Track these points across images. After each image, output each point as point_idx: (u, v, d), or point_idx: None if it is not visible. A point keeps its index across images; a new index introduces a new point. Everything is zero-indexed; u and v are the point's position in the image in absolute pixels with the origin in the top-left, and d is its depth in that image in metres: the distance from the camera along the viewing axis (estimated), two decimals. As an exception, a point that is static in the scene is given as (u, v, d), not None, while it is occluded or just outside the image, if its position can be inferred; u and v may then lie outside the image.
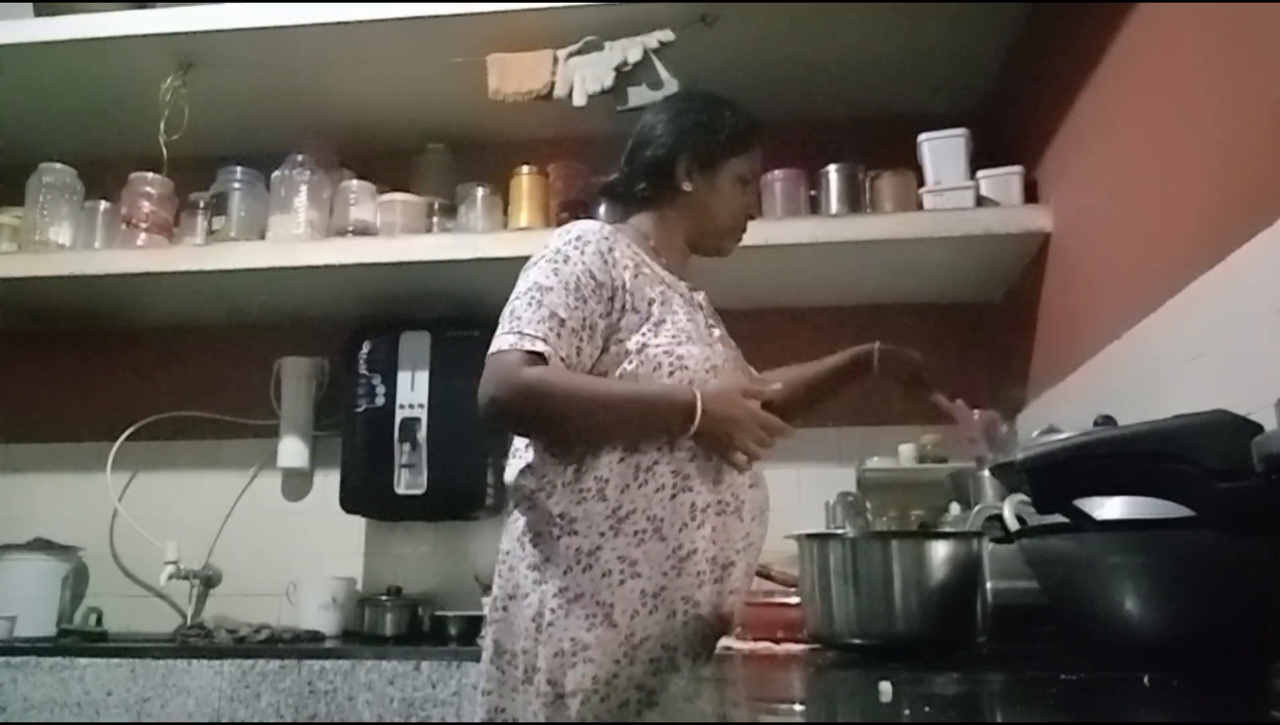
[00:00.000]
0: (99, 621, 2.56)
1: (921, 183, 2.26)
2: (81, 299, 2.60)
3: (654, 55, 2.17)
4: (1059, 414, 1.89)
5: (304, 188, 2.45)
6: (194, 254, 2.41)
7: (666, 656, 1.32)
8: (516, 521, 1.40)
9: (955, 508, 1.91)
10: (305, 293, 2.53)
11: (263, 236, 2.43)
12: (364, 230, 2.44)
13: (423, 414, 2.39)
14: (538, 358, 1.30)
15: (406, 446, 2.38)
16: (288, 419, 2.65)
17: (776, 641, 1.32)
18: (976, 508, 1.33)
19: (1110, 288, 1.79)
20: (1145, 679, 0.81)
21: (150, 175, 2.48)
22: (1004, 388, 2.37)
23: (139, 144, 2.37)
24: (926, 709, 0.77)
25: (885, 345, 1.69)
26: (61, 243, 2.50)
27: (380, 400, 2.42)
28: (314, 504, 2.69)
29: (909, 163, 2.29)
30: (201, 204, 2.50)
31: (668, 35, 2.17)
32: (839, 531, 1.61)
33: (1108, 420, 1.22)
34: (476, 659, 1.42)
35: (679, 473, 1.35)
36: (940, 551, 1.11)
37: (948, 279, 2.45)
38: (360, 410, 2.45)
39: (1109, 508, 1.02)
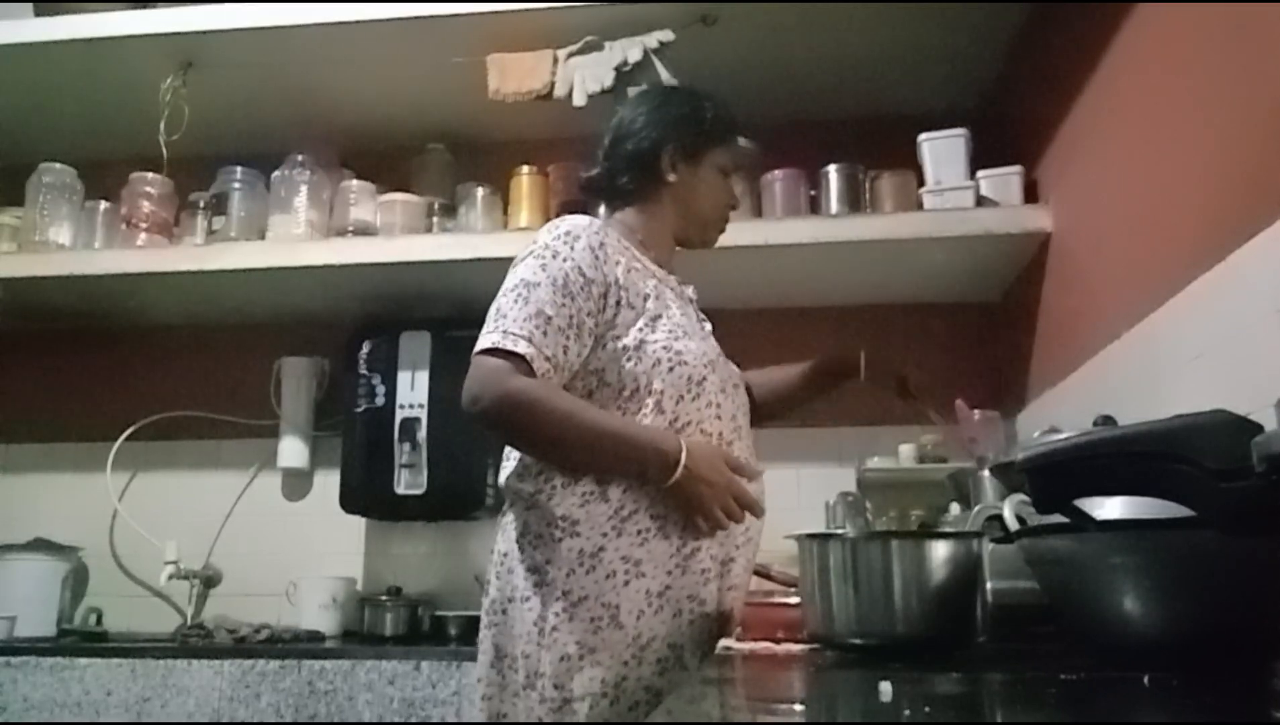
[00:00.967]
0: (99, 621, 2.56)
1: (921, 183, 2.26)
2: (81, 299, 2.60)
3: (654, 55, 2.17)
4: (1059, 414, 1.90)
5: (304, 188, 2.45)
6: (194, 254, 2.41)
7: (673, 656, 1.31)
8: (513, 523, 1.38)
9: (955, 508, 1.91)
10: (305, 293, 2.53)
11: (263, 236, 2.43)
12: (364, 230, 2.44)
13: (423, 414, 2.39)
14: (521, 360, 1.28)
15: (406, 446, 2.38)
16: (288, 419, 2.65)
17: (776, 641, 1.32)
18: (976, 508, 1.33)
19: (1110, 288, 1.79)
20: (1145, 679, 0.81)
21: (150, 175, 2.48)
22: (1004, 388, 2.38)
23: (139, 144, 2.37)
24: (926, 709, 0.77)
25: (873, 352, 1.68)
26: (61, 243, 2.50)
27: (380, 400, 2.42)
28: (314, 504, 2.69)
29: (909, 163, 2.29)
30: (201, 204, 2.50)
31: (668, 35, 2.17)
32: (839, 531, 1.61)
33: (1108, 420, 1.22)
34: (476, 659, 1.41)
35: None
36: (940, 551, 1.11)
37: (948, 279, 2.45)
38: (360, 410, 2.45)
39: (1109, 508, 1.02)
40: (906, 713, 0.73)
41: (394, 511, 2.51)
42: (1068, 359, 1.96)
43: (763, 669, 1.14)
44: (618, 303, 1.35)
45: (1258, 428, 0.83)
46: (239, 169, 2.50)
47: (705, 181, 1.52)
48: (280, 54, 2.35)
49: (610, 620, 1.29)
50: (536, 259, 1.35)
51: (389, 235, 2.40)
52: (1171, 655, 0.85)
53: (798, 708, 0.93)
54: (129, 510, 2.68)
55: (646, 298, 1.38)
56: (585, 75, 2.19)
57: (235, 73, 2.40)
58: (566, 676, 1.27)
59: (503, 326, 1.30)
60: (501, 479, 1.42)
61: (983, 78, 2.47)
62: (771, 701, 0.95)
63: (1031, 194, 2.22)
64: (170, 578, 2.53)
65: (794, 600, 1.28)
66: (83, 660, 2.09)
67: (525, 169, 2.45)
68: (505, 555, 1.38)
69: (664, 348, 1.35)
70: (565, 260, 1.34)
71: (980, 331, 2.56)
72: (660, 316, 1.37)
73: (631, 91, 2.17)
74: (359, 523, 2.62)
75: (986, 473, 1.74)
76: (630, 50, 2.17)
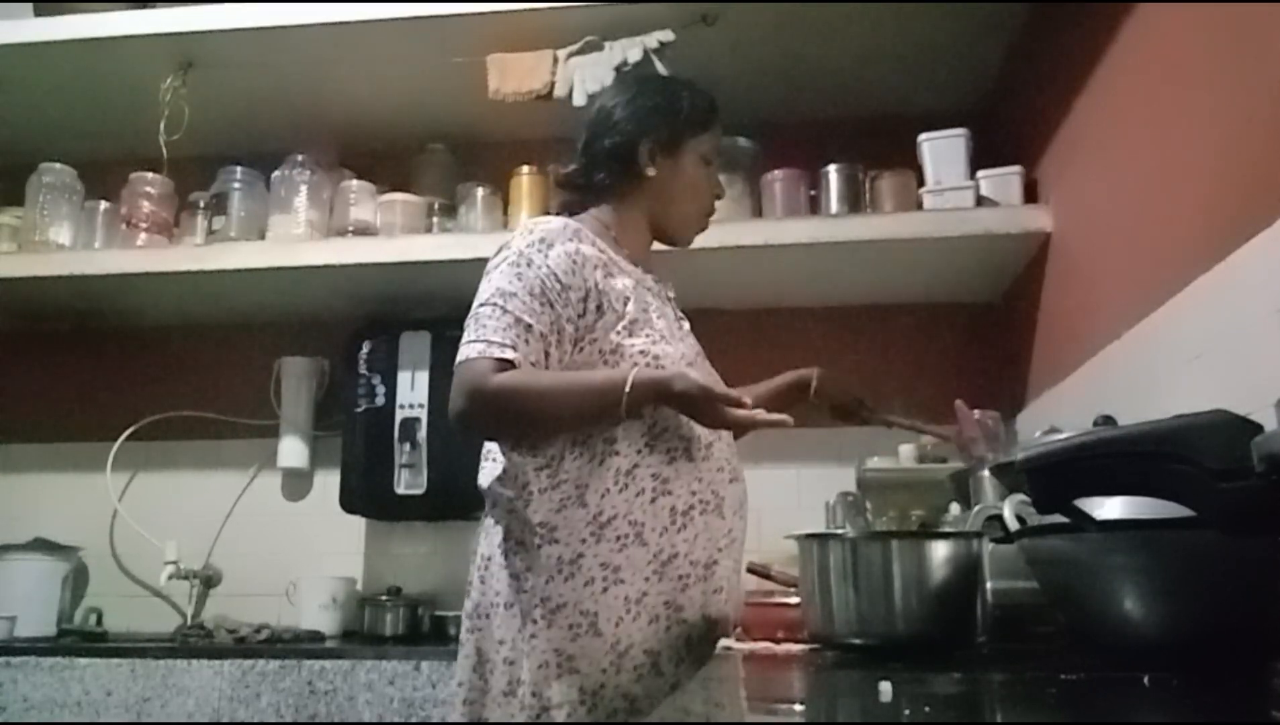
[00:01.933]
0: (99, 621, 2.56)
1: (921, 183, 2.26)
2: (81, 299, 2.60)
3: (654, 55, 2.17)
4: (1059, 414, 1.89)
5: (304, 188, 2.45)
6: (194, 254, 2.41)
7: (650, 663, 1.30)
8: (495, 528, 1.38)
9: (955, 508, 1.91)
10: (305, 293, 2.53)
11: (263, 236, 2.43)
12: (364, 230, 2.44)
13: (423, 414, 2.39)
14: (507, 365, 1.26)
15: (406, 446, 2.38)
16: (288, 419, 2.65)
17: (776, 641, 1.32)
18: (976, 508, 1.33)
19: (1110, 288, 1.79)
20: (1145, 679, 0.81)
21: (150, 175, 2.48)
22: (1004, 388, 2.38)
23: (139, 144, 2.37)
24: (926, 709, 0.77)
25: (826, 373, 1.69)
26: (61, 243, 2.50)
27: (380, 400, 2.42)
28: (314, 504, 2.69)
29: (909, 163, 2.29)
30: (201, 204, 2.50)
31: (668, 35, 2.17)
32: (839, 531, 1.61)
33: (1108, 420, 1.22)
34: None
35: (658, 476, 1.33)
36: (940, 551, 1.11)
37: (948, 279, 2.45)
38: (360, 410, 2.45)
39: (1109, 508, 1.02)
40: (906, 713, 0.73)
41: (394, 511, 2.51)
42: (1067, 359, 1.96)
43: (763, 669, 1.15)
44: (598, 307, 1.33)
45: (1258, 428, 0.83)
46: (239, 169, 2.50)
47: (685, 172, 1.48)
48: (280, 54, 2.35)
49: (589, 628, 1.28)
50: (512, 267, 1.33)
51: (389, 235, 2.40)
52: (1171, 655, 0.85)
53: (798, 708, 0.93)
54: (129, 510, 2.68)
55: (626, 301, 1.36)
56: (585, 75, 2.19)
57: (235, 73, 2.40)
58: (545, 684, 1.27)
59: (484, 336, 1.29)
60: (482, 481, 1.42)
61: (983, 78, 2.47)
62: (771, 701, 0.95)
63: (1031, 194, 2.22)
64: (170, 578, 2.53)
65: (794, 600, 1.28)
66: (83, 660, 2.09)
67: (525, 169, 2.44)
68: (488, 560, 1.37)
69: (641, 352, 1.33)
70: (540, 267, 1.32)
71: (980, 331, 2.56)
72: (638, 320, 1.35)
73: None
74: (359, 523, 2.62)
75: (986, 473, 1.74)
76: (630, 50, 2.17)
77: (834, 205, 2.30)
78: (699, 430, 1.36)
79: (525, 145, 2.52)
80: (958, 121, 2.28)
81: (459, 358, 1.30)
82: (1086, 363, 1.85)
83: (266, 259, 2.37)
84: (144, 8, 2.36)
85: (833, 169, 2.32)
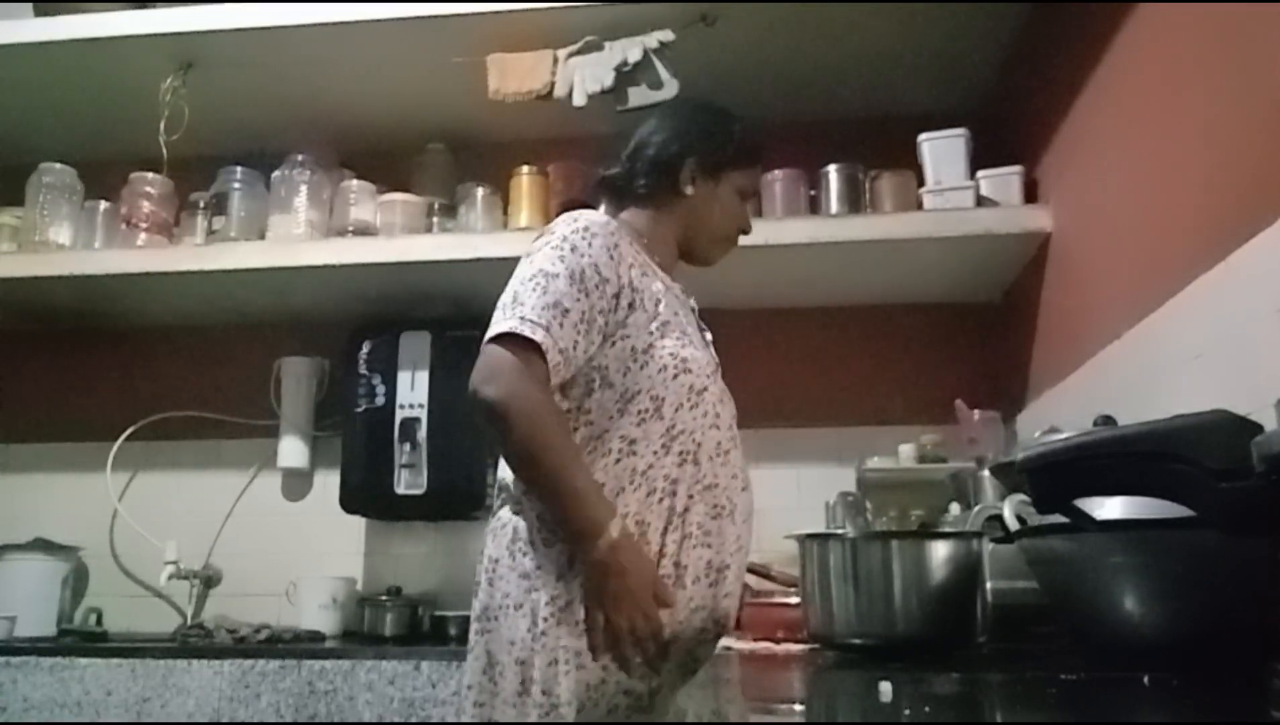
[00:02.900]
0: (99, 621, 2.56)
1: (921, 183, 2.26)
2: (81, 299, 2.60)
3: (654, 55, 2.17)
4: (1059, 414, 1.89)
5: (304, 188, 2.45)
6: (194, 254, 2.41)
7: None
8: (505, 527, 1.37)
9: (955, 508, 1.91)
10: (305, 293, 2.53)
11: (263, 236, 2.43)
12: (364, 230, 2.44)
13: (423, 414, 2.39)
14: (535, 348, 1.27)
15: (406, 446, 2.38)
16: (288, 419, 2.65)
17: (776, 641, 1.32)
18: (976, 508, 1.33)
19: (1110, 288, 1.79)
20: (1145, 679, 0.81)
21: (150, 175, 2.48)
22: (1004, 388, 2.38)
23: (139, 144, 2.37)
24: (926, 709, 0.77)
25: None
26: (61, 243, 2.50)
27: (380, 400, 2.42)
28: (314, 504, 2.69)
29: (909, 163, 2.29)
30: (201, 204, 2.50)
31: (668, 35, 2.17)
32: (839, 531, 1.61)
33: (1108, 420, 1.22)
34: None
35: (668, 477, 1.33)
36: (940, 551, 1.11)
37: (948, 279, 2.45)
38: (360, 410, 2.45)
39: (1109, 508, 1.02)
40: (906, 713, 0.73)
41: (394, 511, 2.51)
42: (1067, 359, 1.96)
43: (763, 669, 1.15)
44: (630, 305, 1.35)
45: (1258, 428, 0.83)
46: (239, 169, 2.50)
47: (721, 200, 1.53)
48: (280, 54, 2.35)
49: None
50: (555, 250, 1.34)
51: (389, 235, 2.40)
52: (1171, 655, 0.85)
53: (798, 708, 0.93)
54: (129, 510, 2.68)
55: (658, 302, 1.38)
56: (585, 75, 2.19)
57: (235, 73, 2.40)
58: (554, 681, 1.27)
59: (520, 312, 1.29)
60: (502, 474, 1.41)
61: (983, 78, 2.47)
62: (771, 701, 0.95)
63: (1031, 194, 2.22)
64: (170, 578, 2.53)
65: (794, 600, 1.28)
66: (83, 660, 2.09)
67: (525, 169, 2.44)
68: (495, 562, 1.36)
69: (671, 354, 1.35)
70: (583, 255, 1.33)
71: (980, 331, 2.56)
72: (669, 322, 1.37)
73: (631, 92, 2.17)
74: (359, 523, 2.62)
75: (986, 473, 1.74)
76: (630, 50, 2.17)
77: (834, 205, 2.30)
78: (715, 435, 1.37)
79: (525, 145, 2.53)
80: (958, 121, 2.28)
81: (491, 331, 1.30)
82: (1086, 363, 1.85)
83: (266, 259, 2.37)
84: (144, 8, 2.36)
85: (833, 169, 2.32)
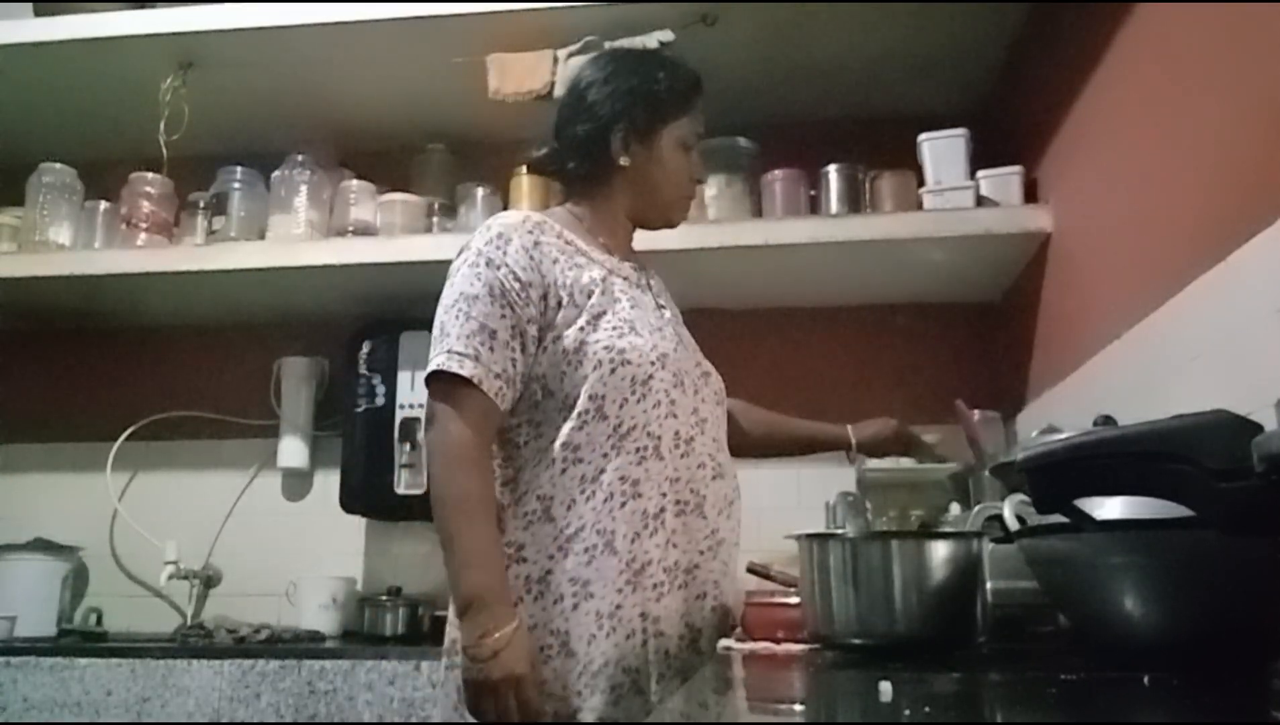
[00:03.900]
0: (99, 621, 2.56)
1: (921, 183, 2.26)
2: (81, 299, 2.60)
3: (654, 55, 2.17)
4: (1059, 414, 1.89)
5: (304, 188, 2.45)
6: (194, 254, 2.40)
7: (629, 681, 1.25)
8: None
9: (955, 508, 1.91)
10: (305, 293, 2.53)
11: (263, 236, 2.43)
12: (364, 230, 2.44)
13: (423, 414, 2.39)
14: (469, 384, 1.23)
15: (406, 446, 2.38)
16: (288, 419, 2.65)
17: (776, 641, 1.32)
18: (976, 508, 1.33)
19: (1110, 288, 1.79)
20: (1145, 679, 0.81)
21: (150, 175, 2.48)
22: (1004, 388, 2.38)
23: (139, 144, 2.37)
24: (926, 709, 0.77)
25: (863, 435, 1.69)
26: (61, 243, 2.50)
27: (380, 400, 2.42)
28: (314, 504, 2.69)
29: (909, 163, 2.28)
30: (201, 204, 2.49)
31: (668, 35, 2.16)
32: (839, 531, 1.61)
33: (1108, 420, 1.22)
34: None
35: (627, 478, 1.27)
36: (940, 551, 1.11)
37: (948, 279, 2.44)
38: (360, 410, 2.45)
39: (1109, 508, 1.02)
40: (906, 713, 0.73)
41: (394, 511, 2.51)
42: (1067, 359, 1.96)
43: (763, 669, 1.14)
44: (558, 303, 1.30)
45: (1258, 428, 0.83)
46: (239, 169, 2.50)
47: (662, 160, 1.41)
48: (280, 54, 2.35)
49: (560, 648, 1.24)
50: (471, 268, 1.30)
51: (389, 235, 2.40)
52: (1171, 655, 0.85)
53: (798, 708, 0.93)
54: (129, 510, 2.68)
55: (590, 293, 1.32)
56: (585, 75, 2.19)
57: (235, 73, 2.40)
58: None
59: (447, 346, 1.26)
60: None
61: (983, 78, 2.47)
62: (771, 701, 0.95)
63: (1031, 194, 2.22)
64: (170, 578, 2.53)
65: (794, 600, 1.28)
66: (83, 660, 2.09)
67: (525, 169, 2.44)
68: None
69: (605, 348, 1.29)
70: (499, 267, 1.29)
71: (980, 331, 2.56)
72: (604, 312, 1.31)
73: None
74: (359, 523, 2.62)
75: (986, 473, 1.74)
76: (630, 50, 2.17)
77: (834, 205, 2.30)
78: (672, 425, 1.32)
79: (525, 145, 2.49)
80: (958, 121, 2.28)
81: (429, 367, 1.28)
82: (1086, 363, 1.85)
83: (266, 259, 2.37)
84: (144, 8, 2.36)
85: (833, 169, 2.32)
